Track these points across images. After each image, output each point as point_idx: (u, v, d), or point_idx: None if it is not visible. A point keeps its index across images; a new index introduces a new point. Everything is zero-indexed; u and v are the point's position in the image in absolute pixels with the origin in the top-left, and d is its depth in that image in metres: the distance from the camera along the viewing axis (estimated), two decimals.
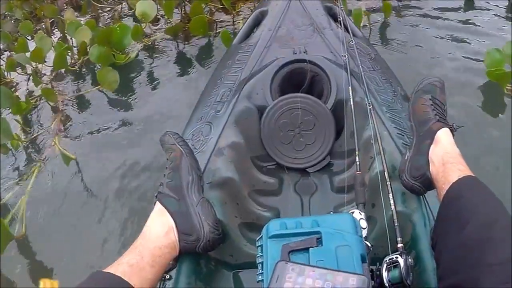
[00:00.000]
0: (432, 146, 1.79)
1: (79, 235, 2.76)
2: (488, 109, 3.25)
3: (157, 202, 1.77)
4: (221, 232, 1.78)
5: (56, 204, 2.96)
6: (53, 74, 4.16)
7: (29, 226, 2.85)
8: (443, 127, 1.82)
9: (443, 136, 1.80)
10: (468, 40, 3.92)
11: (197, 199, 1.77)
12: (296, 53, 2.54)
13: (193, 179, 1.81)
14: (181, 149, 1.86)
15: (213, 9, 4.61)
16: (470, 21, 4.18)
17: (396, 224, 1.67)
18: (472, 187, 1.52)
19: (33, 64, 4.11)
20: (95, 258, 2.54)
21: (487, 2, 4.38)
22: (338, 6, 2.91)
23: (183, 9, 4.54)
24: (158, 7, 4.31)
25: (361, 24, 3.94)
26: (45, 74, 4.19)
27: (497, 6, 4.34)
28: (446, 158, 1.69)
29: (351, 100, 2.26)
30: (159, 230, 1.68)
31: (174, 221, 1.70)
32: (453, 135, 1.83)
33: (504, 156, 2.84)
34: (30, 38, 4.60)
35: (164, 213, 1.73)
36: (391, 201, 1.76)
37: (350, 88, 2.30)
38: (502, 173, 2.74)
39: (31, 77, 4.15)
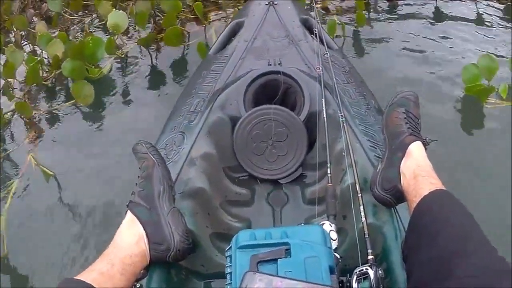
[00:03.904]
0: (404, 159, 1.80)
1: (61, 251, 2.72)
2: (466, 123, 3.32)
3: (128, 211, 1.76)
4: (191, 242, 1.77)
5: (36, 221, 2.93)
6: (26, 89, 4.09)
7: (10, 245, 2.80)
8: (415, 141, 1.83)
9: (415, 149, 1.80)
10: (441, 51, 4.01)
11: (168, 208, 1.76)
12: (271, 65, 2.55)
13: (164, 189, 1.80)
14: (153, 158, 1.86)
15: (184, 20, 4.60)
16: (441, 29, 4.30)
17: (366, 236, 1.68)
18: (443, 200, 1.53)
19: (5, 78, 4.01)
20: (76, 272, 2.53)
21: (456, 10, 4.53)
22: (314, 19, 2.94)
23: (154, 20, 4.55)
24: (129, 18, 4.30)
25: (335, 35, 3.99)
26: (16, 88, 4.11)
27: (465, 14, 4.50)
28: (418, 171, 1.70)
29: (324, 112, 2.26)
30: (130, 238, 1.67)
31: (145, 230, 1.69)
32: (425, 148, 1.83)
33: (479, 170, 2.90)
34: None
35: (135, 222, 1.71)
36: (362, 213, 1.76)
37: (323, 100, 2.31)
38: (476, 187, 2.80)
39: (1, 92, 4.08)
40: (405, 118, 1.93)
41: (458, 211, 1.45)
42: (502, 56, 3.76)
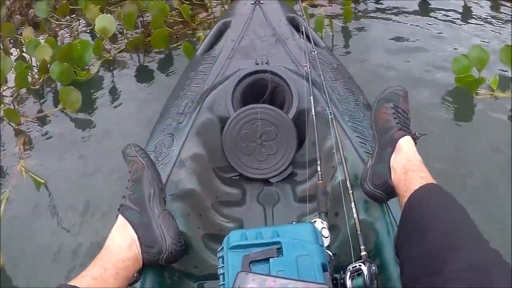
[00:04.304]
0: (393, 154, 1.80)
1: (55, 259, 2.69)
2: (457, 114, 3.33)
3: (119, 215, 1.76)
4: (184, 244, 1.77)
5: (30, 230, 2.90)
6: (14, 95, 4.05)
7: (5, 255, 2.74)
8: (404, 135, 1.83)
9: (405, 144, 1.80)
10: (429, 43, 4.05)
11: (159, 211, 1.75)
12: (258, 64, 2.55)
13: (154, 191, 1.79)
14: (143, 161, 1.85)
15: (172, 23, 4.60)
16: (428, 23, 4.33)
17: (359, 233, 1.67)
18: (434, 194, 1.53)
19: None
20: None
21: (443, 6, 4.56)
22: (300, 17, 2.94)
23: (142, 23, 4.57)
24: (117, 22, 4.32)
25: (323, 32, 4.00)
26: (5, 96, 4.05)
27: (453, 6, 4.55)
28: (408, 166, 1.70)
29: (313, 110, 2.27)
30: (122, 242, 1.67)
31: (137, 234, 1.69)
32: (415, 143, 1.84)
33: (471, 163, 2.91)
34: None
35: (127, 225, 1.71)
36: (354, 210, 1.76)
37: (311, 98, 2.32)
38: (465, 180, 2.80)
39: None
40: (393, 113, 1.92)
41: (449, 205, 1.45)
42: (492, 47, 3.77)
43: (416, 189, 1.55)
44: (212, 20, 4.60)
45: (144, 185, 1.80)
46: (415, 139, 1.85)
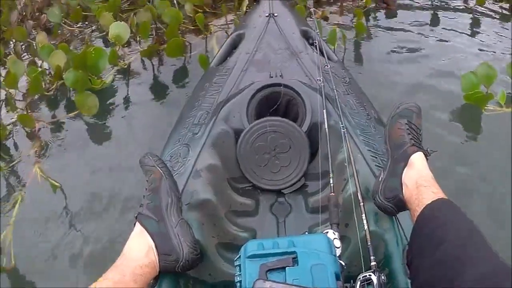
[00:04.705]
0: (406, 169, 1.84)
1: (68, 262, 2.75)
2: (466, 130, 3.37)
3: (137, 223, 1.80)
4: (199, 252, 1.81)
5: (43, 233, 2.94)
6: (27, 100, 4.08)
7: (18, 257, 2.81)
8: (417, 151, 1.87)
9: (417, 160, 1.85)
10: (439, 58, 4.10)
11: (176, 220, 1.80)
12: (272, 77, 2.59)
13: (172, 201, 1.84)
14: (161, 171, 1.90)
15: (185, 30, 4.63)
16: (438, 37, 4.38)
17: (369, 243, 1.71)
18: (445, 208, 1.58)
19: (7, 89, 4.02)
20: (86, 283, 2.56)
21: (452, 22, 4.60)
22: (314, 30, 2.98)
23: (156, 31, 4.59)
24: (130, 29, 4.31)
25: (336, 45, 4.02)
26: (18, 100, 4.07)
27: (462, 21, 4.59)
28: (420, 181, 1.74)
29: (326, 123, 2.31)
30: (140, 250, 1.71)
31: (154, 242, 1.73)
32: (427, 159, 1.87)
33: (478, 178, 2.95)
34: None
35: (144, 233, 1.75)
36: (364, 221, 1.79)
37: (324, 111, 2.35)
38: (475, 195, 2.84)
39: (2, 103, 4.12)
40: (407, 129, 1.96)
41: (461, 219, 1.50)
42: (500, 63, 3.81)
43: (429, 204, 1.59)
44: (225, 29, 4.64)
45: (162, 195, 1.84)
46: (426, 155, 1.88)
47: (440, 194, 1.64)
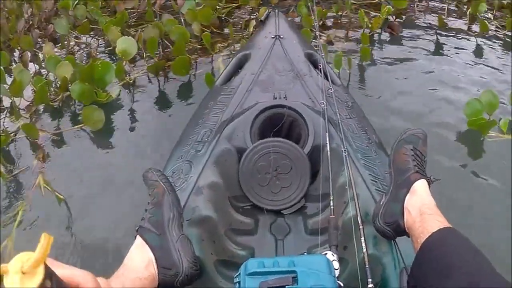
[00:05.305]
0: (408, 195, 1.86)
1: None
2: (468, 156, 3.41)
3: (138, 236, 1.82)
4: (199, 268, 1.83)
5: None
6: (32, 109, 4.08)
7: None
8: (420, 178, 1.89)
9: (420, 187, 1.86)
10: (442, 84, 4.12)
11: (177, 235, 1.82)
12: (276, 98, 2.62)
13: (174, 216, 1.86)
14: (164, 186, 1.92)
15: (191, 49, 4.64)
16: (442, 63, 4.43)
17: (367, 266, 1.73)
18: (451, 237, 1.60)
19: (12, 97, 4.03)
20: None
21: (456, 48, 4.64)
22: (319, 54, 3.02)
23: (163, 48, 4.62)
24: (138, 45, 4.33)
25: (340, 69, 4.06)
26: (21, 109, 4.09)
27: (465, 47, 4.65)
28: (424, 209, 1.76)
29: (328, 146, 2.34)
30: (140, 262, 1.73)
31: (154, 256, 1.75)
32: (429, 186, 1.90)
33: (478, 207, 2.96)
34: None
35: (145, 247, 1.77)
36: (363, 244, 1.82)
37: (327, 134, 2.39)
38: (475, 224, 2.84)
39: (7, 111, 4.13)
40: (412, 155, 1.97)
41: (468, 247, 1.52)
42: (502, 91, 3.87)
43: (435, 231, 1.61)
44: (231, 49, 4.66)
45: (164, 209, 1.86)
46: (429, 182, 1.90)
47: (445, 223, 1.66)
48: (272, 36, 3.11)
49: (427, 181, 1.90)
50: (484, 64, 4.42)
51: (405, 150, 2.01)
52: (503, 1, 5.27)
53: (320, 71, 2.85)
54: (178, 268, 1.75)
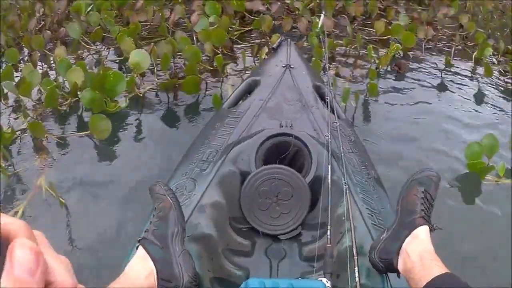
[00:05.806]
0: (409, 238, 1.91)
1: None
2: (465, 199, 3.50)
3: (140, 247, 1.88)
4: (198, 284, 1.89)
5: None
6: (39, 111, 4.12)
7: None
8: (424, 224, 1.94)
9: (422, 233, 1.92)
10: (444, 125, 4.20)
11: (180, 250, 1.88)
12: (282, 126, 2.68)
13: (178, 231, 1.92)
14: (171, 201, 1.99)
15: (202, 69, 4.67)
16: (445, 105, 4.53)
17: None
18: (453, 282, 1.68)
19: (19, 96, 4.08)
20: None
21: (459, 88, 4.74)
22: (327, 87, 3.09)
23: (174, 64, 4.69)
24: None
25: (347, 102, 4.12)
26: (28, 109, 4.13)
27: (469, 88, 4.75)
28: (424, 254, 1.83)
29: (329, 178, 2.40)
30: (141, 272, 1.79)
31: (156, 267, 1.81)
32: (430, 233, 1.95)
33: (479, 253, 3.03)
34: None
35: (147, 258, 1.83)
36: (356, 274, 1.89)
37: (329, 167, 2.45)
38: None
39: (13, 108, 4.18)
40: (422, 198, 2.00)
41: None
42: (502, 136, 3.94)
43: (437, 276, 1.69)
44: (241, 73, 4.71)
45: (169, 224, 1.93)
46: (431, 230, 1.95)
47: (445, 269, 1.73)
48: (283, 65, 3.16)
49: (429, 228, 1.94)
50: (485, 108, 4.53)
51: (416, 191, 2.03)
52: (508, 46, 5.39)
53: (327, 104, 2.91)
54: (178, 282, 1.81)
